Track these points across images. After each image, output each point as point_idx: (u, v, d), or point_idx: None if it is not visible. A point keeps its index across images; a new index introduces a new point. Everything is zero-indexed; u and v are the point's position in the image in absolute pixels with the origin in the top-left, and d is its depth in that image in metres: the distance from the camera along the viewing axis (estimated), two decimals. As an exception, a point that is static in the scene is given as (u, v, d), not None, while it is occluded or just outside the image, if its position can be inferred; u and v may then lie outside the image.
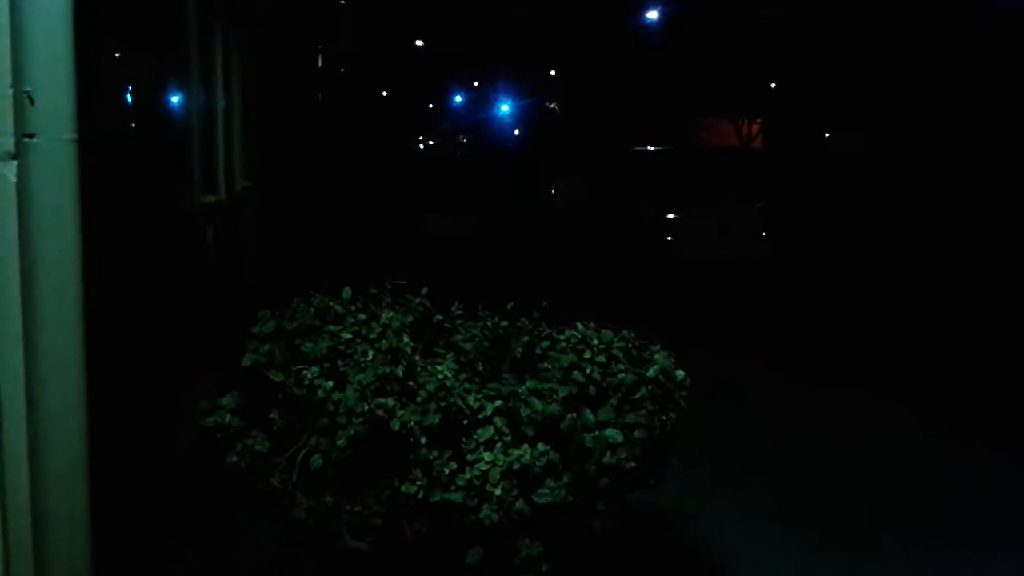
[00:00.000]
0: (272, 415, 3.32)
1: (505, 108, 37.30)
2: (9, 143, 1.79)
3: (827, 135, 25.99)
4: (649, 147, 17.94)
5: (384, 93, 31.15)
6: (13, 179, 1.80)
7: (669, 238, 14.47)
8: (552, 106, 35.00)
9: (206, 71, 5.13)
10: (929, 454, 6.30)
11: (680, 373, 3.57)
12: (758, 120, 26.47)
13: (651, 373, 3.45)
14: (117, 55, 3.04)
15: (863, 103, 22.18)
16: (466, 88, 40.91)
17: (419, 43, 32.09)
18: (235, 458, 3.21)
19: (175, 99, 4.26)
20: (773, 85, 25.28)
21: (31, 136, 1.84)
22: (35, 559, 1.89)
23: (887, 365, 8.89)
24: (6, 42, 1.76)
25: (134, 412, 2.78)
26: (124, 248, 2.72)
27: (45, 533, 1.91)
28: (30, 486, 1.85)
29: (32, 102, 1.84)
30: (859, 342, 9.99)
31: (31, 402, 1.82)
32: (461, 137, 41.27)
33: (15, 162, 1.80)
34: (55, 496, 1.92)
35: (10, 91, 1.78)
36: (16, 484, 1.81)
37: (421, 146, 38.73)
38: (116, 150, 2.85)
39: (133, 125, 3.41)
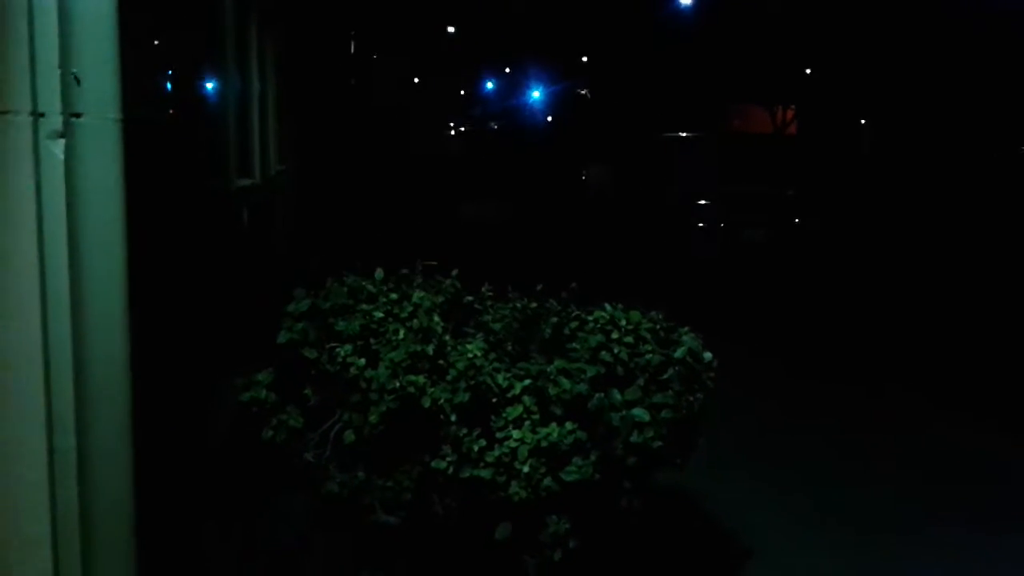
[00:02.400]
0: (306, 391, 3.40)
1: (536, 94, 37.21)
2: (57, 122, 1.86)
3: (863, 122, 25.67)
4: (680, 133, 17.85)
5: (416, 80, 31.21)
6: (61, 157, 1.87)
7: (700, 224, 14.43)
8: (583, 92, 34.85)
9: (242, 58, 5.22)
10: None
11: (708, 355, 3.60)
12: (793, 106, 26.19)
13: (679, 354, 3.48)
14: (158, 40, 3.12)
15: (899, 89, 21.87)
16: (497, 74, 40.86)
17: (451, 29, 32.09)
18: (271, 432, 3.29)
19: (212, 85, 4.34)
20: (808, 71, 24.98)
21: (78, 116, 1.91)
22: (81, 527, 1.97)
23: (913, 358, 8.84)
24: (54, 24, 1.83)
25: (174, 386, 2.87)
26: (163, 228, 2.80)
27: (90, 500, 1.98)
28: (77, 450, 1.93)
29: (79, 83, 1.91)
30: (887, 334, 9.93)
31: (78, 368, 1.90)
32: (492, 123, 41.27)
33: (63, 140, 1.87)
34: (101, 463, 1.99)
35: (58, 72, 1.85)
36: (64, 447, 1.88)
37: (452, 132, 38.77)
38: (156, 133, 2.93)
39: (172, 110, 3.49)
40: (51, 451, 1.85)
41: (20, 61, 1.79)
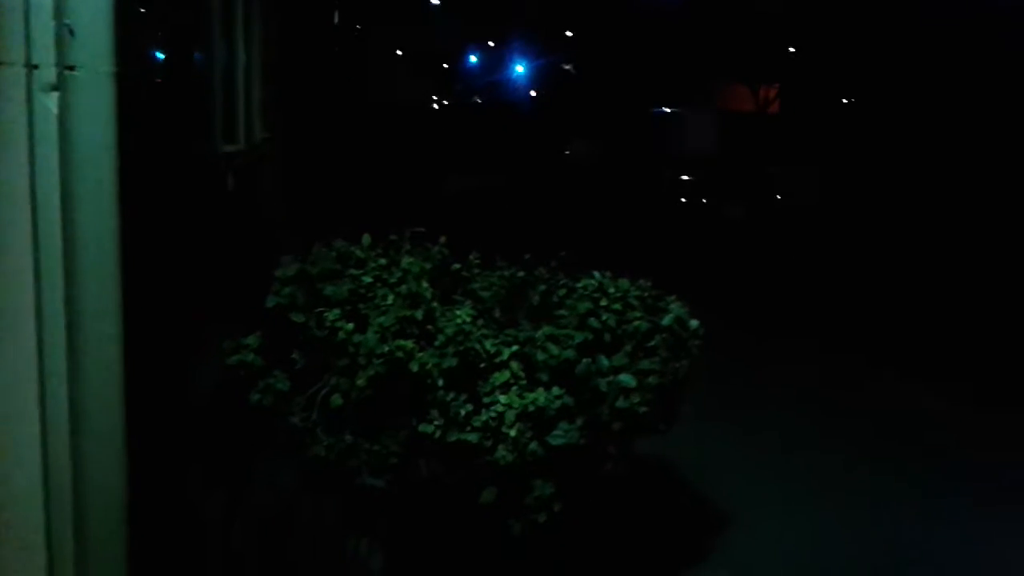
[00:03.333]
0: (294, 355, 3.40)
1: (520, 69, 37.01)
2: (51, 74, 1.85)
3: (844, 101, 25.75)
4: (665, 109, 17.86)
5: (399, 52, 30.94)
6: (55, 110, 1.86)
7: (682, 199, 14.46)
8: (568, 67, 34.71)
9: (228, 25, 5.17)
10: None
11: (694, 323, 3.64)
12: (776, 84, 26.22)
13: (666, 322, 3.52)
14: (149, 1, 3.09)
15: (883, 68, 21.93)
16: (481, 49, 40.57)
17: (435, 1, 31.81)
18: (258, 396, 3.30)
19: (199, 50, 4.30)
20: (792, 50, 25.01)
21: (71, 68, 1.90)
22: (73, 480, 1.97)
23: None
24: (48, -25, 1.82)
25: (161, 347, 2.87)
26: (150, 188, 2.79)
27: (82, 453, 1.99)
28: (68, 405, 1.93)
29: (73, 35, 1.89)
30: (858, 306, 10.09)
31: (70, 323, 1.90)
32: (475, 98, 41.03)
33: (56, 93, 1.86)
34: (94, 418, 2.00)
35: (52, 23, 1.84)
36: (56, 400, 1.89)
37: (435, 106, 38.54)
38: (147, 91, 2.91)
39: (162, 71, 3.46)
40: (42, 399, 1.86)
41: (15, 12, 1.78)
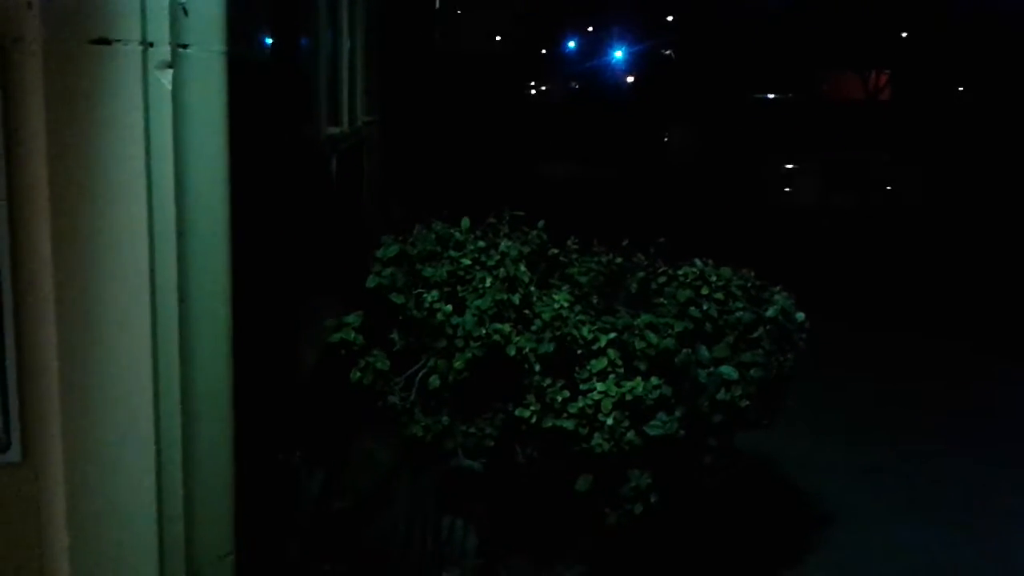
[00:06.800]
0: (392, 336, 3.43)
1: (619, 54, 36.62)
2: (166, 52, 1.87)
3: (959, 88, 24.58)
4: (769, 95, 17.38)
5: (498, 38, 31.07)
6: (169, 87, 1.88)
7: (786, 189, 14.06)
8: (668, 52, 34.16)
9: (333, 9, 5.25)
10: None
11: (800, 315, 3.52)
12: (887, 71, 25.22)
13: (771, 313, 3.40)
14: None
15: (996, 55, 20.83)
16: (579, 33, 40.31)
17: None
18: (358, 374, 3.33)
19: (305, 34, 4.36)
20: (904, 35, 23.99)
21: (184, 47, 1.92)
22: (183, 457, 2.02)
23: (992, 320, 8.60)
24: (163, -45, 1.84)
25: (267, 326, 2.92)
26: (258, 168, 2.83)
27: (192, 430, 2.03)
28: (180, 383, 1.97)
29: (186, 13, 1.92)
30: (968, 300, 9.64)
31: (181, 299, 1.94)
32: (573, 84, 40.83)
33: (171, 71, 1.88)
34: (203, 395, 2.04)
35: (167, 1, 1.86)
36: (168, 379, 1.93)
37: (532, 91, 38.52)
38: (254, 73, 2.95)
39: (270, 51, 3.52)
40: (155, 378, 1.90)
41: (131, -10, 1.81)
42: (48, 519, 1.91)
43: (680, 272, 3.56)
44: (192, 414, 2.00)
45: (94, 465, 1.90)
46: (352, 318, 3.36)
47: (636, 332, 3.34)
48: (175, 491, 2.00)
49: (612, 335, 3.34)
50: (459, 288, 3.39)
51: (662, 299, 3.51)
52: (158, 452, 1.94)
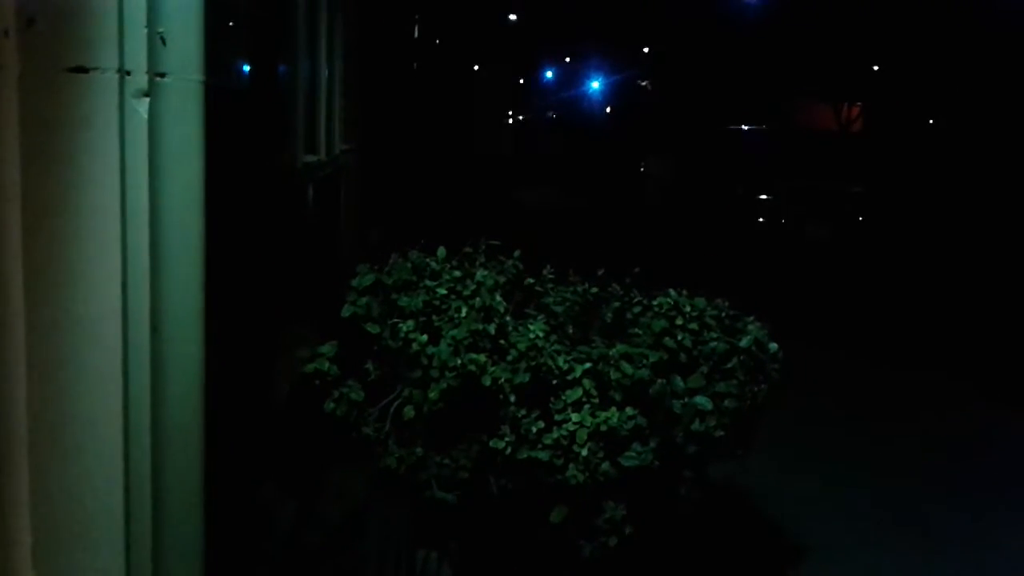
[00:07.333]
0: (367, 366, 3.41)
1: (595, 85, 37.00)
2: (143, 81, 1.87)
3: (931, 121, 25.01)
4: (743, 127, 17.61)
5: (476, 67, 31.26)
6: (145, 116, 1.88)
7: (760, 219, 14.20)
8: (644, 83, 34.55)
9: (312, 39, 5.27)
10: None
11: (773, 345, 3.53)
12: (858, 103, 25.63)
13: (744, 343, 3.42)
14: (236, 11, 3.14)
15: (970, 87, 21.24)
16: (557, 64, 40.68)
17: (512, 17, 32.02)
18: (332, 405, 3.31)
19: (284, 63, 4.38)
20: (876, 68, 24.42)
21: (162, 75, 1.92)
22: (152, 477, 1.99)
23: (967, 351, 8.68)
24: (141, -15, 1.84)
25: (240, 354, 2.90)
26: (234, 195, 2.82)
27: (161, 453, 2.01)
28: (150, 407, 1.95)
29: (164, 43, 1.92)
30: (943, 330, 9.73)
31: (154, 327, 1.92)
32: (550, 113, 41.16)
33: (147, 99, 1.88)
34: (174, 420, 2.02)
35: (144, 31, 1.86)
36: (139, 401, 1.91)
37: (510, 120, 38.75)
38: (231, 101, 2.96)
39: (247, 80, 3.52)
40: (126, 400, 1.88)
41: (110, 20, 1.80)
42: (12, 551, 1.87)
43: (655, 302, 3.58)
44: (162, 443, 1.98)
45: (61, 494, 1.87)
46: (327, 348, 3.34)
47: (611, 362, 3.34)
48: (143, 520, 1.98)
49: (587, 365, 3.35)
50: (435, 318, 3.38)
51: (637, 329, 3.53)
52: (126, 481, 1.91)
